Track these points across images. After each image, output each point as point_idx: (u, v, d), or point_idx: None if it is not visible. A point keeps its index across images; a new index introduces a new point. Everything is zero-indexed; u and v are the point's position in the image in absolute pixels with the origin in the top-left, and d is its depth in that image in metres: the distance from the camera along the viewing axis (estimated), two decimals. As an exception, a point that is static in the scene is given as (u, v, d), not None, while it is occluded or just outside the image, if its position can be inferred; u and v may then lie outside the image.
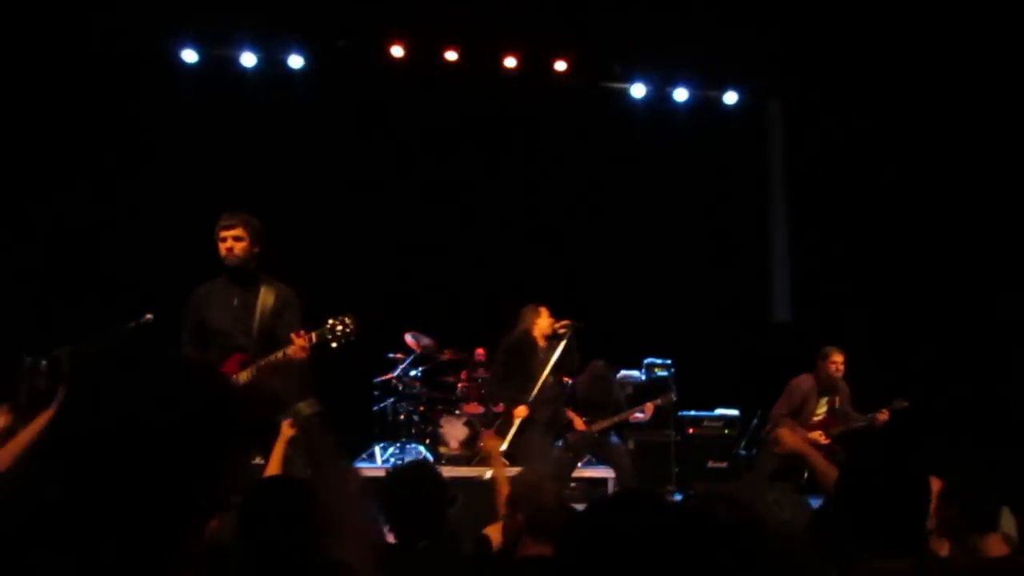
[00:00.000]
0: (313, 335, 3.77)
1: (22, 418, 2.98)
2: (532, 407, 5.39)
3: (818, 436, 5.82)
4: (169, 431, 0.85)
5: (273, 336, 3.93)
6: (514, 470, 5.87)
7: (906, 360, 7.30)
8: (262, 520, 2.04)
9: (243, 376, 3.85)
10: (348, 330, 3.83)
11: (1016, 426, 6.32)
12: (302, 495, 2.07)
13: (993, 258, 6.90)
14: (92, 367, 0.93)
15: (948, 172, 7.20)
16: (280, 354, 3.78)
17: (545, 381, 5.43)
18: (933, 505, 2.69)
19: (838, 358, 5.93)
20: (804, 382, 5.98)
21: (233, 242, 3.96)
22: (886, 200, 7.66)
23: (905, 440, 5.87)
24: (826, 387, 5.98)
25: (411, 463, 3.24)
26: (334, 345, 3.80)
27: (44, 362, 5.20)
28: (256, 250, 4.04)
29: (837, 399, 6.01)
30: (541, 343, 5.60)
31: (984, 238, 6.97)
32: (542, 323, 5.59)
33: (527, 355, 5.54)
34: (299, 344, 3.73)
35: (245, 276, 4.02)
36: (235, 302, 4.00)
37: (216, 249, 4.01)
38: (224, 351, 3.94)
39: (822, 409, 6.00)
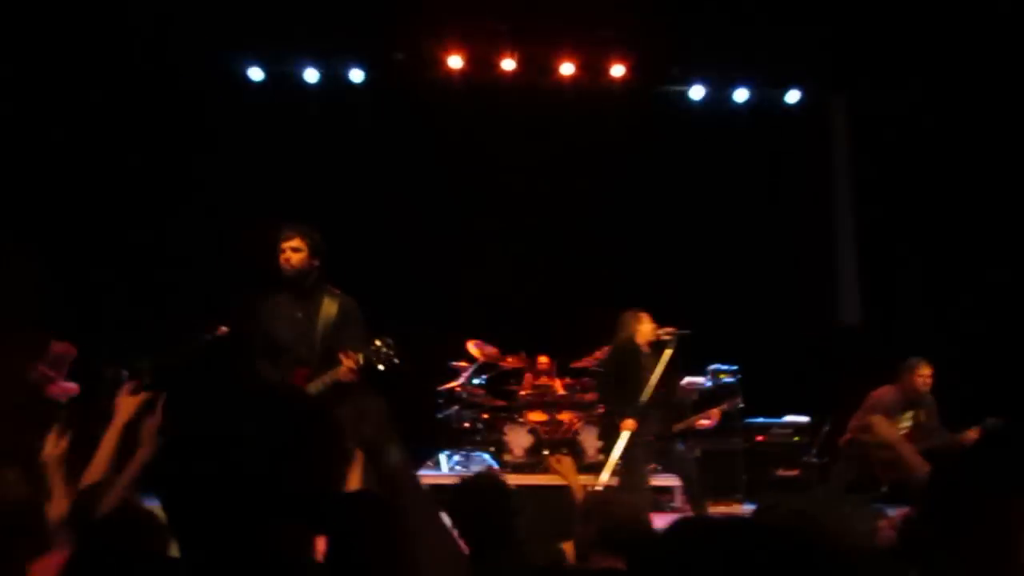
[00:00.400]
0: (360, 356, 3.79)
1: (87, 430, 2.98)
2: (640, 420, 5.25)
3: (888, 455, 5.55)
4: (275, 450, 0.87)
5: (335, 350, 3.92)
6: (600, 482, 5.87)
7: (981, 366, 7.01)
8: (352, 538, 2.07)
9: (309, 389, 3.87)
10: (391, 352, 3.86)
11: None
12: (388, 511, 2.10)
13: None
14: (184, 385, 0.96)
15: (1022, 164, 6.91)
16: (329, 377, 3.80)
17: (652, 391, 5.27)
18: None
19: (926, 371, 5.66)
20: (886, 394, 5.72)
21: (291, 253, 3.97)
22: (956, 197, 7.39)
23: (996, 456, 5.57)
24: (911, 400, 5.72)
25: (479, 473, 3.24)
26: (380, 367, 3.82)
27: (126, 373, 5.39)
28: (316, 262, 4.03)
29: (922, 413, 5.75)
30: (645, 350, 5.47)
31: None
32: (644, 329, 5.47)
33: (633, 363, 5.41)
34: (347, 365, 3.76)
35: (305, 289, 4.02)
36: (298, 315, 4.00)
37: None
38: (288, 365, 3.96)
39: (906, 424, 5.74)
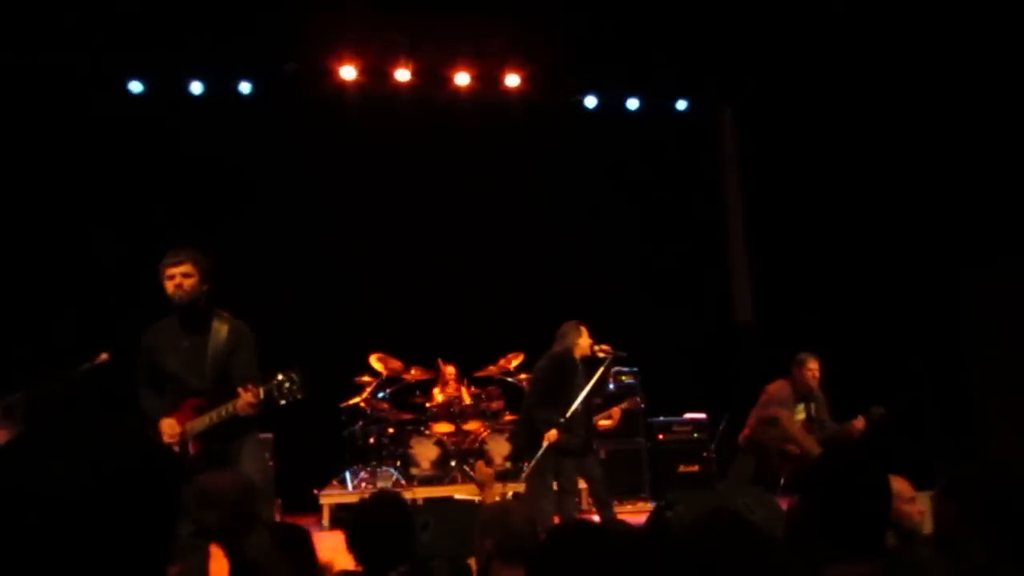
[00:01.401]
0: (261, 390, 3.65)
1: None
2: (561, 432, 5.23)
3: (792, 448, 5.80)
4: (98, 496, 0.82)
5: (228, 377, 3.78)
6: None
7: (868, 362, 7.41)
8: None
9: (197, 424, 3.74)
10: (295, 387, 3.71)
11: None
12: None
13: (954, 255, 7.02)
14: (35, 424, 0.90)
15: (903, 169, 7.34)
16: (225, 409, 3.67)
17: (576, 407, 5.26)
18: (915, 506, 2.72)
19: (814, 365, 5.90)
20: (780, 389, 5.91)
21: (182, 279, 3.77)
22: (842, 198, 7.80)
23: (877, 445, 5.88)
24: (802, 394, 5.95)
25: (376, 493, 3.19)
26: (281, 403, 3.68)
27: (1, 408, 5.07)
28: (205, 287, 3.85)
29: (813, 406, 6.02)
30: (579, 364, 5.46)
31: (944, 234, 7.10)
32: (583, 343, 5.43)
33: (568, 375, 5.38)
34: (246, 400, 3.62)
35: (195, 315, 3.83)
36: (186, 344, 3.83)
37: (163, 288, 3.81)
38: (178, 396, 3.80)
39: (799, 416, 6.00)
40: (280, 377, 3.71)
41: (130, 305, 7.20)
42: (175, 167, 7.55)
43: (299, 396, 3.71)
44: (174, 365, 3.81)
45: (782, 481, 5.81)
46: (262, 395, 3.65)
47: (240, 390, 3.64)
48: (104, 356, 5.67)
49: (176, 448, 3.70)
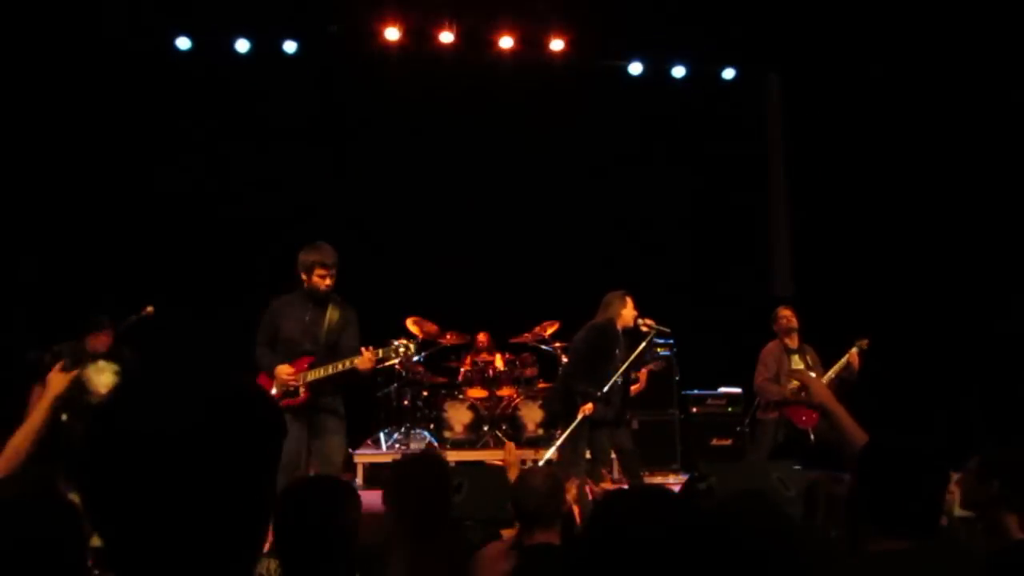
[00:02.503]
0: (380, 351, 4.52)
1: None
2: (596, 403, 5.22)
3: (795, 386, 5.79)
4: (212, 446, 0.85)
5: (336, 346, 4.63)
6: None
7: (910, 343, 7.28)
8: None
9: (314, 372, 4.53)
10: (409, 352, 4.66)
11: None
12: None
13: (1000, 232, 6.83)
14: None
15: (950, 142, 7.13)
16: (348, 362, 4.50)
17: (612, 378, 5.24)
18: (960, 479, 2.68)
19: (785, 313, 6.11)
20: (773, 347, 6.08)
21: (331, 279, 4.66)
22: (887, 171, 7.60)
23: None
24: (789, 348, 6.05)
25: (417, 452, 3.24)
26: (395, 363, 4.81)
27: (48, 356, 5.22)
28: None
29: (808, 357, 6.05)
30: (621, 336, 5.42)
31: (990, 208, 6.90)
32: (627, 313, 5.40)
33: (609, 346, 5.35)
34: (367, 357, 4.48)
35: (322, 298, 4.69)
36: (307, 317, 4.66)
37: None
38: (289, 356, 4.60)
39: (799, 367, 6.02)
40: (397, 342, 4.62)
41: (172, 261, 7.37)
42: (220, 124, 7.61)
43: (414, 360, 4.92)
44: (293, 331, 4.62)
45: (811, 436, 5.80)
46: (380, 355, 4.53)
47: (363, 348, 4.50)
48: (149, 309, 5.82)
49: (291, 387, 4.50)
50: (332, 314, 4.68)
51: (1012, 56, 6.45)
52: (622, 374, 5.30)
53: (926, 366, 6.99)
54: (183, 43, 7.56)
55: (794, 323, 6.09)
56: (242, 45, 7.64)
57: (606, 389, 5.20)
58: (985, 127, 6.85)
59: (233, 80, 7.68)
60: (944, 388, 6.92)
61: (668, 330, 5.46)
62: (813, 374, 5.85)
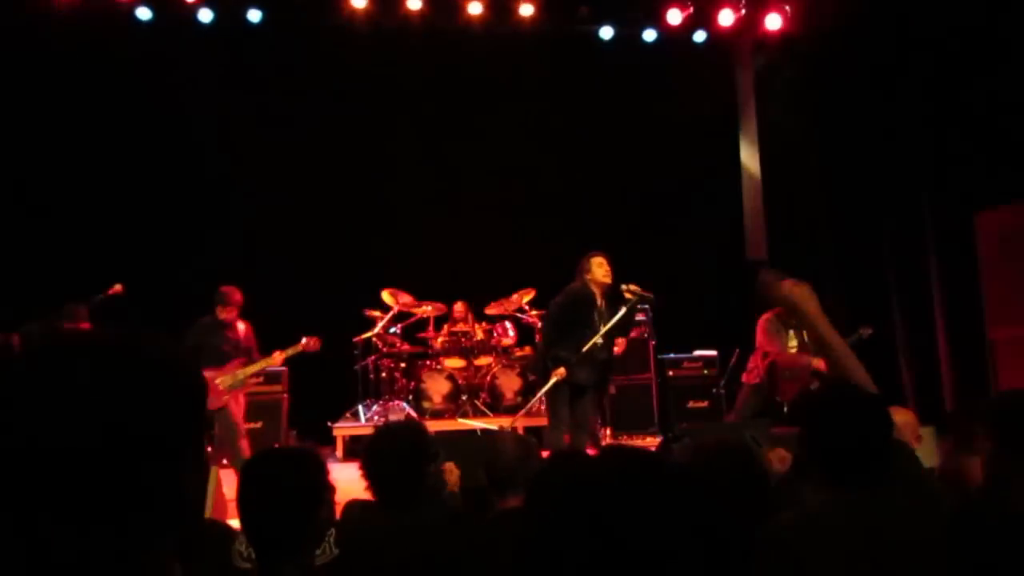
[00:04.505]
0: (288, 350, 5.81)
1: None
2: (573, 368, 5.17)
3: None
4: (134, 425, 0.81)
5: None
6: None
7: (879, 294, 7.38)
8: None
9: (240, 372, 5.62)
10: (313, 348, 5.93)
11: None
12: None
13: (967, 190, 6.89)
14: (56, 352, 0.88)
15: (915, 103, 7.16)
16: (263, 363, 5.77)
17: (595, 343, 5.19)
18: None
19: (768, 278, 5.95)
20: (767, 322, 5.96)
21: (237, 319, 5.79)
22: (857, 132, 7.63)
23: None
24: (786, 321, 5.93)
25: (395, 421, 3.23)
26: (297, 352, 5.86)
27: (17, 338, 5.15)
28: None
29: (805, 332, 6.04)
30: (600, 299, 5.33)
31: (957, 170, 6.96)
32: (596, 272, 5.31)
33: (582, 309, 5.27)
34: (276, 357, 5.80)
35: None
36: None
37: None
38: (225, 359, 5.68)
39: (792, 344, 6.01)
40: (304, 340, 5.85)
41: (140, 237, 7.26)
42: (182, 96, 7.46)
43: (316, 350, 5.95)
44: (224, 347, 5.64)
45: (786, 410, 5.86)
46: (288, 352, 5.81)
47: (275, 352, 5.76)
48: (118, 287, 5.75)
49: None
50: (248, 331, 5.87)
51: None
52: (603, 337, 5.24)
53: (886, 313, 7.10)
54: (143, 13, 7.37)
55: (784, 288, 5.93)
56: (205, 15, 7.46)
57: (584, 351, 5.16)
58: (937, 84, 6.88)
59: (196, 51, 7.50)
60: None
61: (651, 295, 5.38)
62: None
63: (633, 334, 6.67)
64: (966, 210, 6.79)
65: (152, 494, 0.82)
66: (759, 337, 6.01)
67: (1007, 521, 1.89)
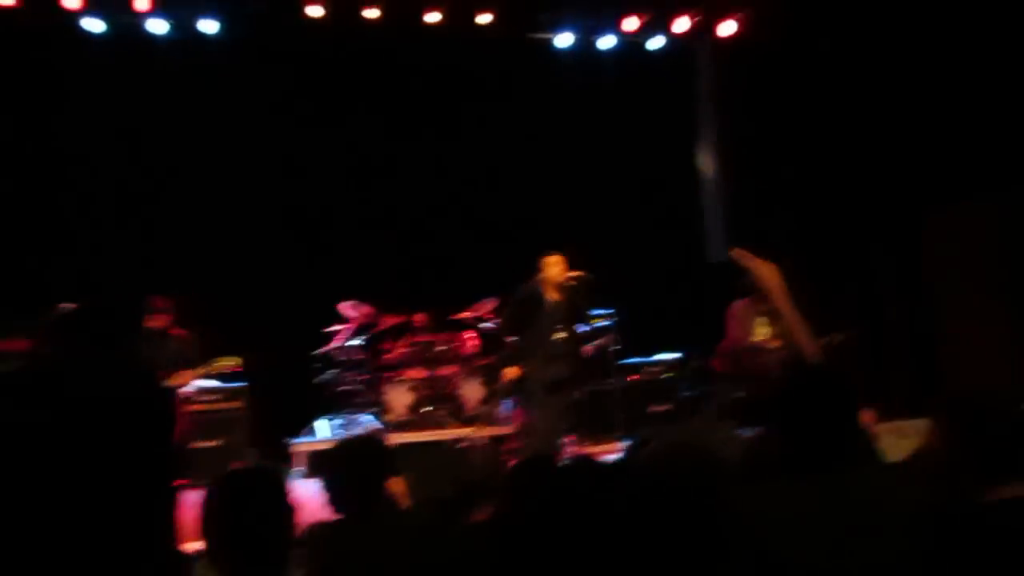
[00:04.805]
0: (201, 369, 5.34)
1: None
2: (530, 365, 5.18)
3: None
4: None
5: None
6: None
7: (840, 294, 7.49)
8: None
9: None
10: (230, 368, 5.39)
11: None
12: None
13: (918, 192, 7.04)
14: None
15: (876, 106, 7.30)
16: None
17: (553, 336, 5.19)
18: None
19: (739, 252, 5.97)
20: (738, 308, 5.90)
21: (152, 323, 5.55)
22: (815, 136, 7.76)
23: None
24: (757, 307, 5.91)
25: (354, 436, 3.18)
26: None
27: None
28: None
29: (781, 323, 6.06)
30: (552, 295, 5.33)
31: (909, 172, 7.11)
32: (550, 272, 5.32)
33: (532, 308, 5.29)
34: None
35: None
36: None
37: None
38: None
39: (763, 329, 6.04)
40: (217, 362, 5.32)
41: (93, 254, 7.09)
42: (140, 112, 7.32)
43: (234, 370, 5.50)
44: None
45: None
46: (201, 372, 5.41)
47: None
48: (65, 305, 5.59)
49: None
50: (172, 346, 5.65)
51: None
52: (563, 331, 5.24)
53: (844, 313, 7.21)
54: (94, 25, 7.19)
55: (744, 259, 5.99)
56: (158, 26, 7.31)
57: (542, 348, 5.16)
58: (896, 87, 7.04)
59: (151, 65, 7.35)
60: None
61: (592, 276, 5.38)
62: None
63: (601, 342, 6.69)
64: (917, 211, 6.95)
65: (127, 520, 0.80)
66: (727, 323, 6.06)
67: (972, 510, 1.93)
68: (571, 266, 5.49)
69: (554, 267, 5.34)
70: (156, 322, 5.60)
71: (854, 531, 1.87)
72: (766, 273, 2.37)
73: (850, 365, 6.00)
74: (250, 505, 1.99)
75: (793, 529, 1.86)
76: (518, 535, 1.08)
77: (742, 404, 5.91)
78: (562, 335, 5.27)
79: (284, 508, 2.10)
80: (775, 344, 5.78)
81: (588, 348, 6.46)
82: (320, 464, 2.74)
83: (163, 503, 0.88)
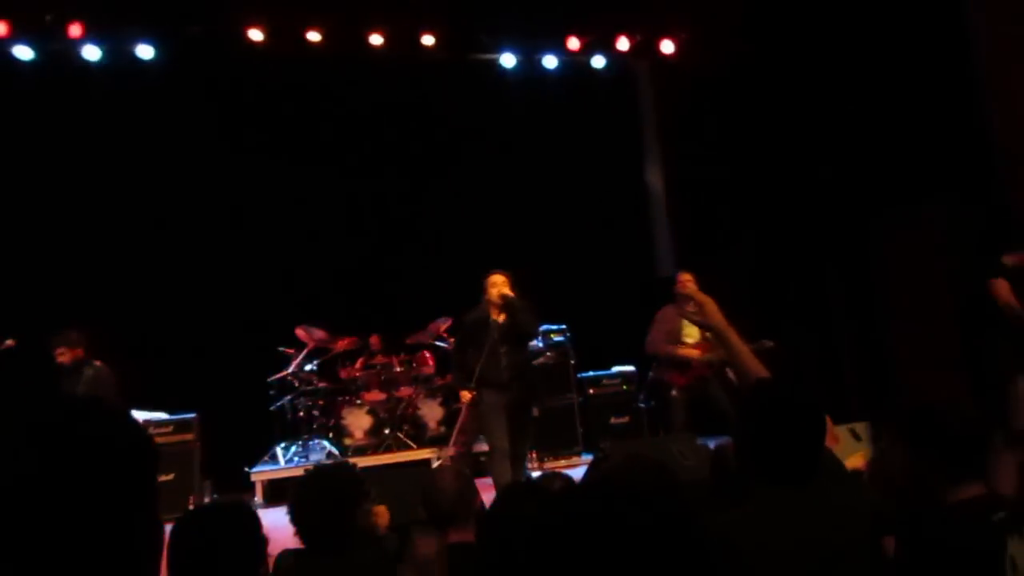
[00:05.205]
0: None
1: None
2: (483, 386, 5.10)
3: (695, 352, 6.03)
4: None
5: None
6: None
7: (786, 307, 7.68)
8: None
9: None
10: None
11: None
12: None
13: (865, 200, 7.26)
14: None
15: (817, 116, 7.52)
16: None
17: (496, 356, 5.10)
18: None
19: (684, 277, 6.16)
20: (668, 309, 6.21)
21: (61, 357, 5.52)
22: (758, 149, 7.97)
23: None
24: (681, 311, 6.08)
25: (317, 466, 3.12)
26: None
27: None
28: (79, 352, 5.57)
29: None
30: (495, 315, 5.23)
31: (855, 180, 7.33)
32: (491, 292, 5.23)
33: (476, 329, 5.22)
34: None
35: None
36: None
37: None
38: None
39: (690, 330, 6.15)
40: None
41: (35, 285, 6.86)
42: (70, 143, 7.13)
43: None
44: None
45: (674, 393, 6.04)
46: None
47: None
48: (9, 342, 5.40)
49: None
50: (85, 378, 5.53)
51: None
52: (507, 350, 5.15)
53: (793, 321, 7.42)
54: (23, 52, 6.99)
55: (689, 287, 6.12)
56: (91, 52, 7.14)
57: (485, 370, 5.08)
58: (837, 98, 7.29)
59: (83, 92, 7.17)
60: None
61: (512, 295, 5.21)
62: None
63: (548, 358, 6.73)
64: (863, 215, 7.17)
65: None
66: (651, 326, 6.22)
67: (937, 512, 2.00)
68: (518, 284, 5.45)
69: (493, 287, 5.26)
70: (67, 356, 5.49)
71: (826, 543, 1.91)
72: (709, 307, 2.49)
73: (775, 370, 6.12)
74: (224, 544, 1.94)
75: (767, 546, 1.89)
76: (508, 560, 1.08)
77: (703, 415, 6.02)
78: (507, 354, 5.17)
79: (258, 543, 2.05)
80: (703, 348, 5.98)
81: (539, 362, 6.46)
82: (291, 493, 2.68)
83: (150, 542, 0.85)
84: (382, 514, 3.13)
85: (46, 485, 0.75)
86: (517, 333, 5.24)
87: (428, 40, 7.88)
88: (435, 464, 6.46)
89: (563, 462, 7.18)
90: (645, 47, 8.43)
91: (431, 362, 7.53)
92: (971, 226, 6.08)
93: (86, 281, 7.00)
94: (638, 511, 1.55)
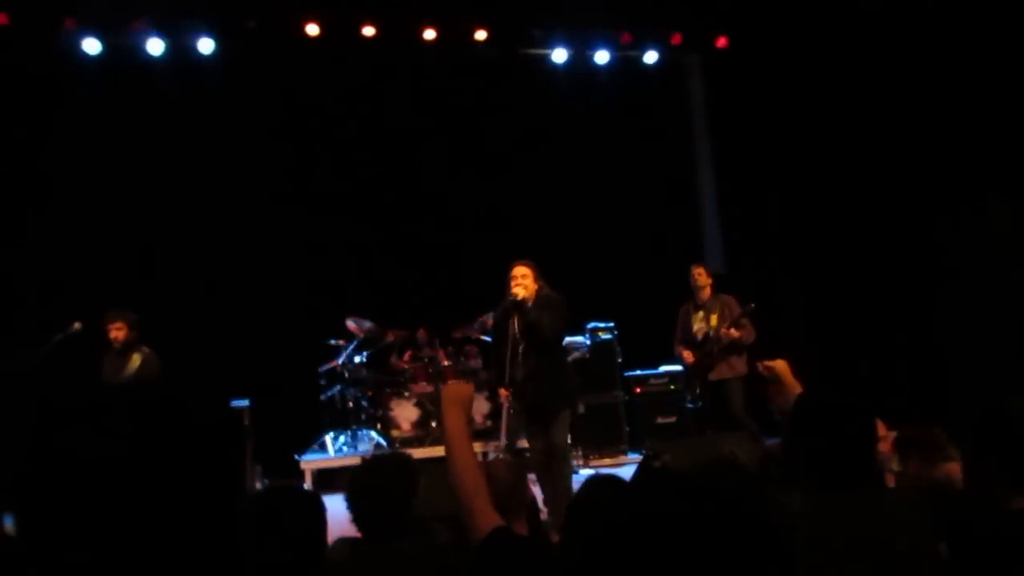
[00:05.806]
0: None
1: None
2: (511, 386, 4.87)
3: (688, 355, 6.25)
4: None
5: None
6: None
7: (839, 309, 7.54)
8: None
9: None
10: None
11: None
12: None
13: (926, 204, 7.08)
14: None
15: (873, 119, 7.36)
16: None
17: (516, 354, 4.81)
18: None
19: (696, 271, 6.42)
20: (684, 307, 6.50)
21: (117, 332, 5.70)
22: (811, 149, 7.83)
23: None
24: (696, 304, 6.38)
25: (383, 453, 3.16)
26: None
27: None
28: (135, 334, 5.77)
29: (714, 316, 6.25)
30: (509, 309, 5.00)
31: (915, 183, 7.16)
32: (511, 287, 4.93)
33: (500, 326, 5.02)
34: None
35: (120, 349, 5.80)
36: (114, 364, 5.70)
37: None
38: None
39: (699, 324, 6.33)
40: None
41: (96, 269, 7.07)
42: (134, 134, 7.32)
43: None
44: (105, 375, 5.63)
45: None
46: None
47: None
48: (77, 325, 5.58)
49: None
50: (134, 361, 5.63)
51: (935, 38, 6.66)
52: (525, 350, 4.82)
53: (855, 327, 7.28)
54: (92, 46, 7.19)
55: (700, 280, 6.36)
56: (155, 46, 7.31)
57: (506, 366, 4.82)
58: (898, 100, 7.12)
59: (149, 84, 7.36)
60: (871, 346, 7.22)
61: (521, 294, 4.89)
62: (736, 332, 6.02)
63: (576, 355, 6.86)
64: (927, 213, 7.00)
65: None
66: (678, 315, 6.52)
67: (998, 519, 1.95)
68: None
69: (512, 281, 4.93)
70: (122, 332, 5.67)
71: (880, 548, 1.88)
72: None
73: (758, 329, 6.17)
74: (290, 525, 1.99)
75: (820, 550, 1.87)
76: (594, 558, 1.10)
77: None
78: (524, 353, 4.84)
79: (322, 528, 2.10)
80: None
81: (573, 357, 6.42)
82: (349, 481, 2.72)
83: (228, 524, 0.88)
84: None
85: (163, 463, 0.78)
86: (532, 336, 4.86)
87: (480, 35, 7.92)
88: (491, 457, 6.49)
89: (608, 460, 7.17)
90: (698, 41, 8.34)
91: (477, 355, 7.57)
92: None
93: (144, 269, 7.20)
94: (727, 508, 1.55)
